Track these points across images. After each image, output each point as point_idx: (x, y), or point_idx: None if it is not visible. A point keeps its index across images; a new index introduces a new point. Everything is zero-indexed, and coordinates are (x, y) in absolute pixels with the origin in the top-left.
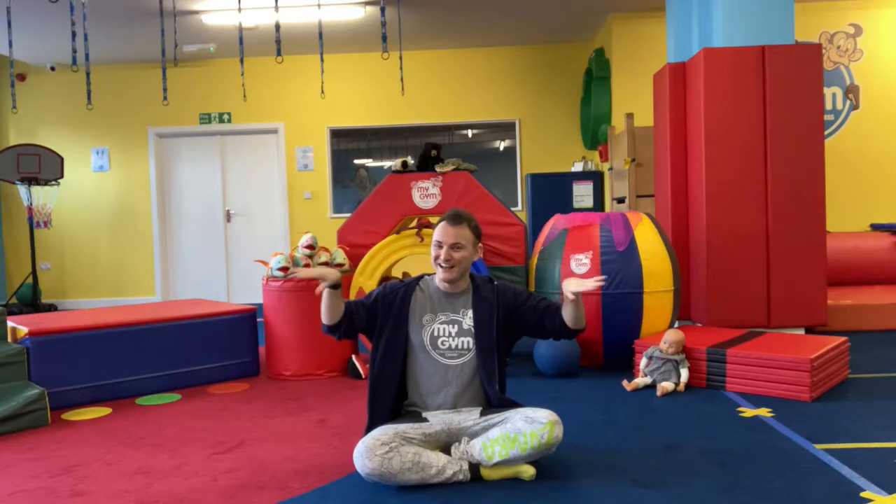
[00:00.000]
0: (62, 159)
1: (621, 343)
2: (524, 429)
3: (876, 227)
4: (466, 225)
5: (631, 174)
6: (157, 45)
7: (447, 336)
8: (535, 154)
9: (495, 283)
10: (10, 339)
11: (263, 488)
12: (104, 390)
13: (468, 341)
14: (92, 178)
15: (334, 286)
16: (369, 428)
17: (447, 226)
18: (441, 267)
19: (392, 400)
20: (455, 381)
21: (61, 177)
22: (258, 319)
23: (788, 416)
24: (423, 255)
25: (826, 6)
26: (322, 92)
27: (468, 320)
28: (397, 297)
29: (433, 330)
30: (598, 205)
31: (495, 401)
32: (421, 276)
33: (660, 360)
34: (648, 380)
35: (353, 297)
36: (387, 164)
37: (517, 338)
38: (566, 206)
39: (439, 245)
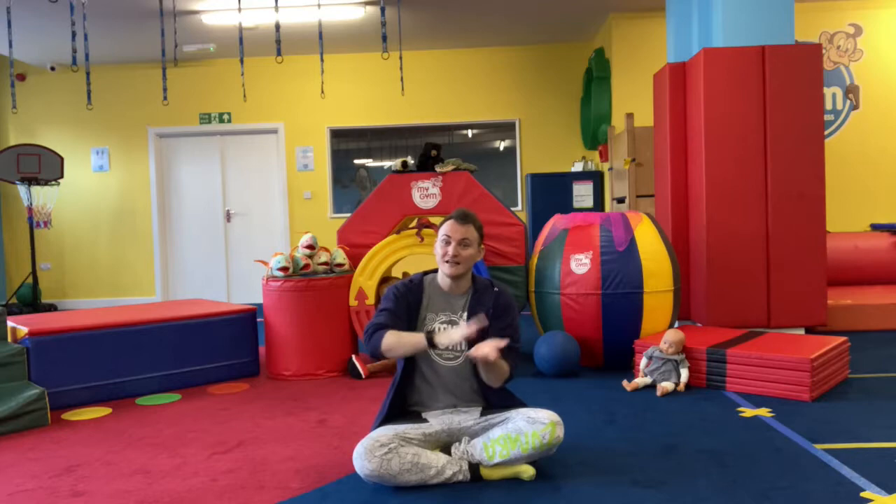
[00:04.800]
0: (62, 159)
1: (621, 343)
2: (525, 429)
3: (876, 227)
4: (473, 225)
5: (631, 174)
6: (157, 45)
7: None
8: (535, 154)
9: (496, 288)
10: (10, 339)
11: (263, 488)
12: (104, 390)
13: (463, 343)
14: (92, 178)
15: (433, 345)
16: (379, 425)
17: (455, 223)
18: (447, 263)
19: (406, 399)
20: (452, 381)
21: (61, 177)
22: (258, 319)
23: (788, 416)
24: (423, 255)
25: (826, 6)
26: (322, 92)
27: (463, 322)
28: (411, 297)
29: (435, 330)
30: (598, 205)
31: (495, 399)
32: (424, 274)
33: (660, 360)
34: (648, 380)
35: (353, 297)
36: (387, 164)
37: None
38: (566, 206)
39: (447, 241)
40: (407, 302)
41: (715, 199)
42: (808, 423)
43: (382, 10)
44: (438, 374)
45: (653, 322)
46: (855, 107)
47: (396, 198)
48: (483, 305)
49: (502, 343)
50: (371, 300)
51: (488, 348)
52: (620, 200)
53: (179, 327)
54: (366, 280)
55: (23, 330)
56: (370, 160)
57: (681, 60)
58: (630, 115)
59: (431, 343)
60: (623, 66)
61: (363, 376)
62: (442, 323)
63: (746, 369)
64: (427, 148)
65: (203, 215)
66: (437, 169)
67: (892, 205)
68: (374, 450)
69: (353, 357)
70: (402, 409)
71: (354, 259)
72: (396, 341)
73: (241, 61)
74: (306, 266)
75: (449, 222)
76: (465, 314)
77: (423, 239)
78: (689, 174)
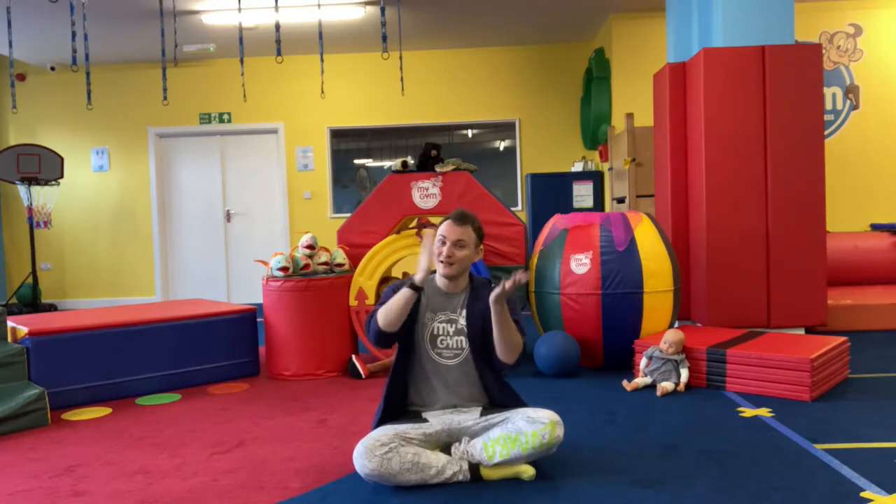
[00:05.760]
0: (62, 159)
1: (621, 343)
2: (525, 429)
3: (876, 227)
4: (471, 226)
5: (631, 174)
6: (157, 45)
7: (445, 335)
8: (535, 154)
9: (493, 284)
10: (10, 339)
11: (263, 488)
12: (104, 390)
13: (462, 340)
14: (92, 178)
15: (417, 288)
16: (378, 424)
17: (452, 224)
18: (441, 263)
19: (403, 398)
20: (452, 380)
21: (61, 177)
22: (258, 319)
23: (788, 416)
24: None
25: (826, 6)
26: (322, 92)
27: (462, 320)
28: None
29: (433, 329)
30: (598, 205)
31: (498, 396)
32: None
33: (660, 360)
34: (648, 380)
35: (353, 297)
36: (387, 164)
37: None
38: (566, 206)
39: (442, 242)
40: None
41: (715, 199)
42: (808, 423)
43: (382, 10)
44: (439, 373)
45: (653, 322)
46: (855, 107)
47: (396, 198)
48: (481, 301)
49: (510, 283)
50: (371, 300)
51: (500, 289)
52: (620, 200)
53: (179, 327)
54: (366, 280)
55: (23, 330)
56: (370, 160)
57: (681, 60)
58: (630, 115)
59: (414, 287)
60: (623, 66)
61: (363, 376)
62: (441, 322)
63: (746, 369)
64: (427, 148)
65: (203, 215)
66: (437, 169)
67: (892, 205)
68: (375, 449)
69: (353, 357)
70: (402, 408)
71: (354, 259)
72: (386, 309)
73: (241, 61)
74: (306, 266)
75: (446, 222)
76: (464, 311)
77: (422, 239)
78: (689, 174)
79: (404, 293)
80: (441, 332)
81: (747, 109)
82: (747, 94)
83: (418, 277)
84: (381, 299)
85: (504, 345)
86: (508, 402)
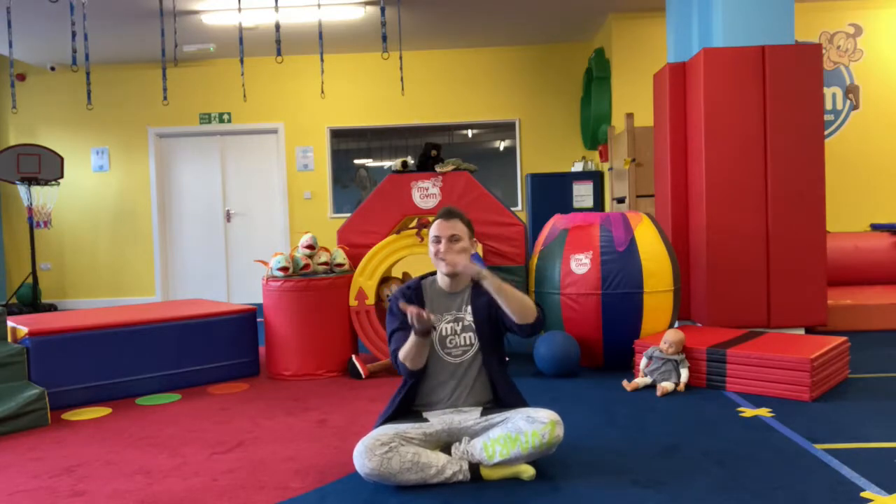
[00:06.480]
0: (62, 159)
1: (621, 343)
2: (525, 428)
3: (876, 227)
4: (459, 220)
5: (631, 174)
6: (157, 45)
7: (453, 334)
8: (535, 154)
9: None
10: (10, 339)
11: (263, 488)
12: (104, 390)
13: (471, 336)
14: (92, 178)
15: (425, 333)
16: (382, 422)
17: (442, 222)
18: (442, 260)
19: (412, 399)
20: (461, 377)
21: (61, 177)
22: (258, 319)
23: (788, 416)
24: (423, 255)
25: (826, 6)
26: (322, 92)
27: (468, 316)
28: (415, 302)
29: (441, 330)
30: (598, 205)
31: (504, 392)
32: (421, 278)
33: (660, 360)
34: (648, 380)
35: (353, 297)
36: (387, 164)
37: (504, 333)
38: (566, 206)
39: (437, 240)
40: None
41: (715, 199)
42: (808, 423)
43: (382, 10)
44: (447, 373)
45: (653, 322)
46: (855, 107)
47: (396, 198)
48: (484, 296)
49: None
50: (371, 300)
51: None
52: (620, 200)
53: (179, 327)
54: (366, 280)
55: (23, 330)
56: (370, 160)
57: (681, 60)
58: (630, 115)
59: (425, 331)
60: (623, 66)
61: (363, 376)
62: (448, 322)
63: (746, 369)
64: (427, 148)
65: (203, 215)
66: (437, 169)
67: (892, 205)
68: (375, 448)
69: (353, 357)
70: (405, 408)
71: (354, 259)
72: (406, 354)
73: (241, 61)
74: (306, 266)
75: (436, 222)
76: (469, 307)
77: (423, 239)
78: (689, 174)
79: (416, 341)
80: (449, 333)
81: (747, 109)
82: (747, 94)
83: (419, 327)
84: (389, 326)
85: (516, 309)
86: (512, 400)
